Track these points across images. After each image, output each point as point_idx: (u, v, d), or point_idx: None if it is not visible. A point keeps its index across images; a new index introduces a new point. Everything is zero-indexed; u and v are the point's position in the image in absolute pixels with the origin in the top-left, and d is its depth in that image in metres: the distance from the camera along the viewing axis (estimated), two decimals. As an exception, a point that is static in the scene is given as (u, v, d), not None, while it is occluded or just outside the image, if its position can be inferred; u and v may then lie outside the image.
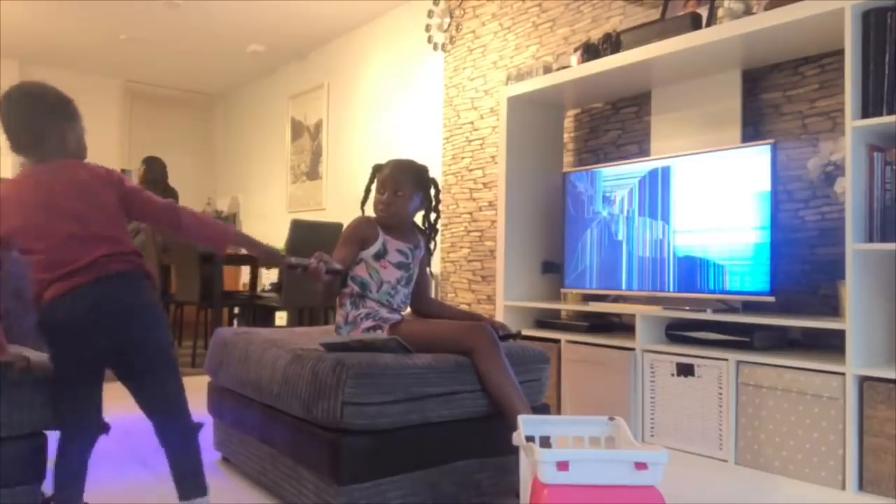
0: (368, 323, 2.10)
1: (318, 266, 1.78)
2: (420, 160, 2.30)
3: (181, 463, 1.63)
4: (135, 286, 1.61)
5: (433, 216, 2.30)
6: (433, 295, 4.30)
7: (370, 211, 2.24)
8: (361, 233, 2.15)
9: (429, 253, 2.32)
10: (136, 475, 2.22)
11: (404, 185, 2.18)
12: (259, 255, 1.87)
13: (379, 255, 2.15)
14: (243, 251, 1.98)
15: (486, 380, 1.92)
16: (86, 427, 1.61)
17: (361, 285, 2.14)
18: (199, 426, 1.68)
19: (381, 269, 2.15)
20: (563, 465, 1.37)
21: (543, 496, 1.37)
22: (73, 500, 1.59)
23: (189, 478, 1.63)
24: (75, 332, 1.54)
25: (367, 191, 2.27)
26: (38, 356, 1.67)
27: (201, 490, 1.63)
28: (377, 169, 2.24)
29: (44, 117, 1.62)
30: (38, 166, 1.61)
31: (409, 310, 2.30)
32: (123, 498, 1.99)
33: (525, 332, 2.79)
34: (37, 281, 1.54)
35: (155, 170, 5.59)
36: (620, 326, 3.16)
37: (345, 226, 2.23)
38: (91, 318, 1.53)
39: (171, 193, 5.62)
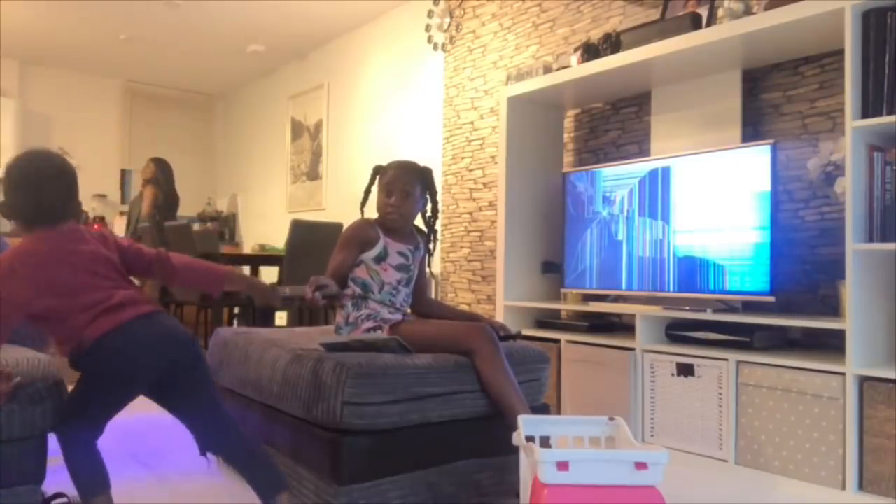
0: (369, 324, 2.09)
1: (315, 296, 1.78)
2: (420, 160, 2.29)
3: (257, 460, 1.65)
4: (172, 319, 1.69)
5: (433, 217, 2.29)
6: (433, 295, 4.31)
7: (370, 212, 2.23)
8: (362, 236, 2.14)
9: (429, 254, 2.32)
10: (135, 475, 2.22)
11: (413, 186, 2.16)
12: (254, 294, 1.88)
13: (380, 259, 2.14)
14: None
15: (486, 380, 1.92)
16: (99, 433, 1.60)
17: (363, 287, 2.13)
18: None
19: (382, 272, 2.14)
20: (563, 465, 1.37)
21: (543, 496, 1.37)
22: (101, 486, 1.56)
23: (269, 473, 1.65)
24: (136, 359, 1.55)
25: (367, 192, 2.24)
26: (37, 357, 1.67)
27: (283, 484, 1.65)
28: (378, 170, 2.22)
29: (65, 185, 1.62)
30: (46, 232, 1.58)
31: (408, 310, 2.29)
32: (123, 498, 1.98)
33: (525, 332, 2.79)
34: (69, 329, 1.54)
35: (165, 172, 5.56)
36: (620, 326, 3.16)
37: (345, 226, 2.22)
38: (152, 341, 1.57)
39: (174, 200, 5.61)
